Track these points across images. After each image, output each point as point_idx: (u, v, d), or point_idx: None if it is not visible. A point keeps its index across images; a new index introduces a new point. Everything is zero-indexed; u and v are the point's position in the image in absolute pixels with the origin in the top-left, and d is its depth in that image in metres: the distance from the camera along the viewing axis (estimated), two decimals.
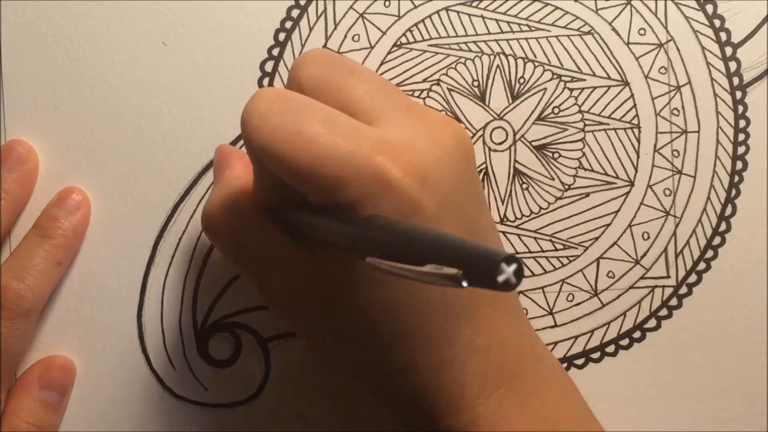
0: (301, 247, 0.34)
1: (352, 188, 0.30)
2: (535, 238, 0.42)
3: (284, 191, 0.33)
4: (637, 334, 0.42)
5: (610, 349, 0.42)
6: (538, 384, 0.36)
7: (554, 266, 0.42)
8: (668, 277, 0.42)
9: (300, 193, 0.32)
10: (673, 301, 0.42)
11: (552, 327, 0.42)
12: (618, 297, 0.42)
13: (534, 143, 0.41)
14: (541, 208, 0.42)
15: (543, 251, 0.42)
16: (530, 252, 0.42)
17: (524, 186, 0.41)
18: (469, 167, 0.35)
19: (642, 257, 0.42)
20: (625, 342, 0.42)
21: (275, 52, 0.41)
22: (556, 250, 0.42)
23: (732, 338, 0.41)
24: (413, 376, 0.33)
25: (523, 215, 0.42)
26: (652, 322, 0.42)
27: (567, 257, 0.42)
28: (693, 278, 0.42)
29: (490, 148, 0.41)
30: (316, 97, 0.34)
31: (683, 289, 0.42)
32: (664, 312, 0.42)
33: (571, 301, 0.42)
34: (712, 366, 0.42)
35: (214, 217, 0.36)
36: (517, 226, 0.42)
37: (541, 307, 0.42)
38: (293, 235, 0.34)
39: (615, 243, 0.42)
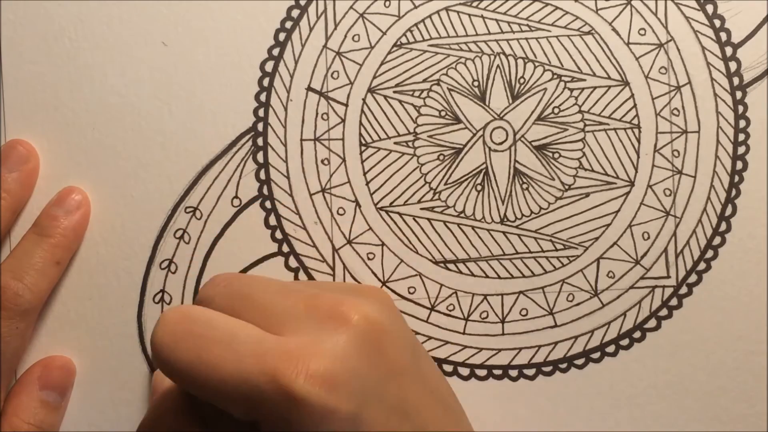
0: None
1: (264, 408, 0.31)
2: (535, 238, 0.42)
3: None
4: (637, 334, 0.42)
5: (611, 349, 0.42)
6: None
7: (554, 266, 0.42)
8: (668, 277, 0.42)
9: None
10: (674, 301, 0.42)
11: (552, 327, 0.42)
12: (618, 297, 0.42)
13: (534, 143, 0.41)
14: (541, 208, 0.42)
15: (543, 251, 0.42)
16: (530, 252, 0.42)
17: (524, 186, 0.41)
18: (382, 353, 0.33)
19: (642, 257, 0.42)
20: (625, 342, 0.42)
21: (275, 52, 0.41)
22: (557, 250, 0.42)
23: (732, 338, 0.41)
24: None
25: (523, 215, 0.42)
26: (652, 322, 0.42)
27: (567, 257, 0.42)
28: (693, 278, 0.42)
29: (490, 148, 0.41)
30: (222, 308, 0.34)
31: (683, 289, 0.42)
32: (664, 312, 0.42)
33: (571, 301, 0.42)
34: (712, 366, 0.42)
35: None
36: (517, 226, 0.42)
37: (541, 307, 0.42)
38: None
39: (615, 243, 0.42)
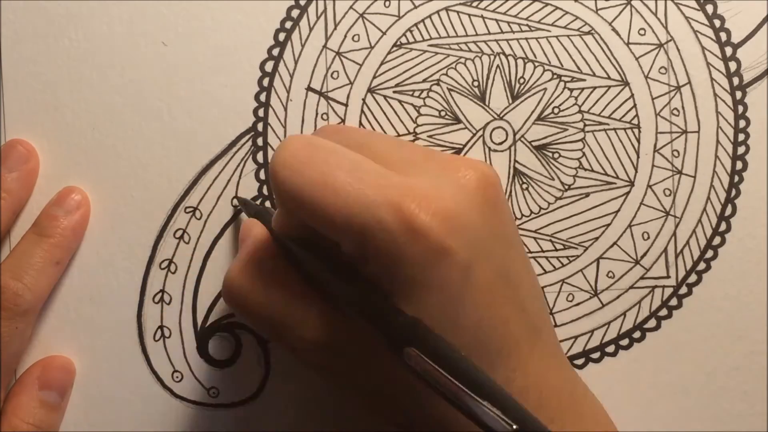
0: (331, 306, 0.34)
1: (380, 237, 0.30)
2: (534, 238, 0.42)
3: (315, 241, 0.33)
4: (637, 334, 0.42)
5: (610, 349, 0.42)
6: (578, 426, 0.35)
7: (554, 266, 0.42)
8: (668, 277, 0.42)
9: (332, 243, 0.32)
10: (673, 301, 0.42)
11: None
12: (618, 297, 0.42)
13: (534, 143, 0.41)
14: (541, 208, 0.42)
15: (543, 251, 0.42)
16: (530, 252, 0.42)
17: (524, 186, 0.41)
18: (496, 212, 0.34)
19: (642, 257, 0.42)
20: (625, 342, 0.42)
21: (275, 52, 0.41)
22: (556, 250, 0.42)
23: (732, 338, 0.41)
24: (449, 420, 0.33)
25: (523, 215, 0.42)
26: (652, 322, 0.42)
27: (567, 257, 0.42)
28: (693, 278, 0.42)
29: (490, 148, 0.41)
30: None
31: (683, 289, 0.42)
32: (664, 312, 0.42)
33: (571, 301, 0.42)
34: (712, 366, 0.42)
35: (238, 280, 0.34)
36: (517, 227, 0.41)
37: None
38: (323, 293, 0.34)
39: (615, 243, 0.42)
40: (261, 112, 0.41)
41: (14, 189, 0.40)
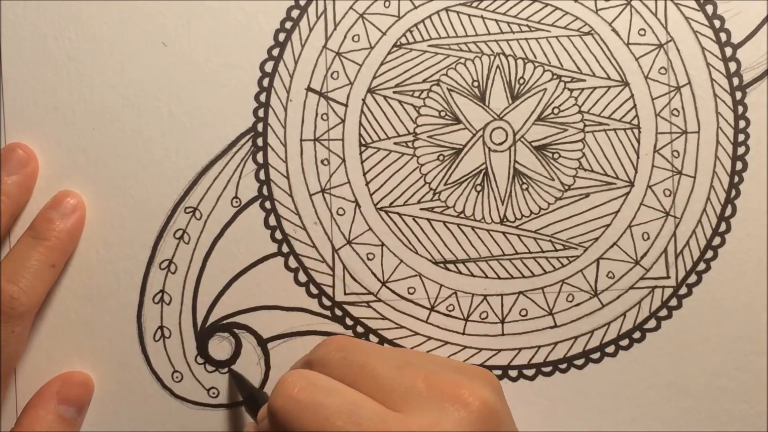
0: None
1: None
2: (535, 239, 0.42)
3: None
4: (637, 335, 0.42)
5: (610, 349, 0.42)
6: None
7: (554, 266, 0.42)
8: (668, 277, 0.42)
9: None
10: (673, 302, 0.42)
11: (552, 327, 0.42)
12: (618, 297, 0.42)
13: (534, 144, 0.41)
14: (541, 208, 0.42)
15: (543, 252, 0.42)
16: (530, 252, 0.42)
17: (524, 186, 0.41)
18: None
19: (642, 258, 0.42)
20: (625, 342, 0.42)
21: (275, 52, 0.41)
22: (556, 250, 0.42)
23: (732, 339, 0.41)
24: None
25: (523, 215, 0.42)
26: (651, 323, 0.42)
27: (567, 258, 0.42)
28: (693, 279, 0.42)
29: (489, 149, 0.41)
30: (339, 376, 0.35)
31: (683, 290, 0.42)
32: (663, 312, 0.42)
33: (571, 301, 0.42)
34: (712, 366, 0.42)
35: None
36: (517, 227, 0.42)
37: (541, 307, 0.42)
38: None
39: (615, 243, 0.42)
40: (261, 113, 0.41)
41: (13, 192, 0.40)
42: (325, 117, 0.41)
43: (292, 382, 0.34)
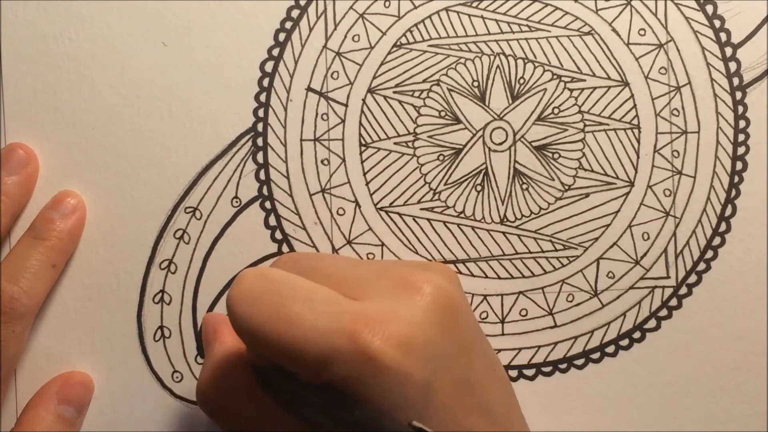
0: (299, 421, 0.33)
1: (337, 366, 0.31)
2: (534, 239, 0.42)
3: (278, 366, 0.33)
4: (637, 335, 0.42)
5: (610, 349, 0.42)
6: None
7: (554, 266, 0.42)
8: (668, 277, 0.42)
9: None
10: (673, 302, 0.42)
11: (552, 327, 0.42)
12: (618, 297, 0.42)
13: (534, 143, 0.41)
14: (541, 208, 0.42)
15: (543, 251, 0.42)
16: (530, 252, 0.42)
17: (524, 186, 0.41)
18: (455, 323, 0.34)
19: (642, 258, 0.42)
20: (625, 342, 0.42)
21: (275, 52, 0.41)
22: (556, 250, 0.42)
23: (732, 339, 0.41)
24: None
25: (523, 215, 0.42)
26: (652, 323, 0.42)
27: (567, 257, 0.42)
28: (693, 279, 0.42)
29: (490, 149, 0.41)
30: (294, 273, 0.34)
31: (683, 290, 0.42)
32: (664, 312, 0.42)
33: (571, 301, 0.42)
34: (712, 366, 0.42)
35: (209, 393, 0.35)
36: (517, 227, 0.42)
37: (541, 307, 0.42)
38: (289, 409, 0.34)
39: (615, 243, 0.42)
40: (261, 113, 0.41)
41: (14, 193, 0.40)
42: (325, 117, 0.41)
43: (245, 275, 0.33)
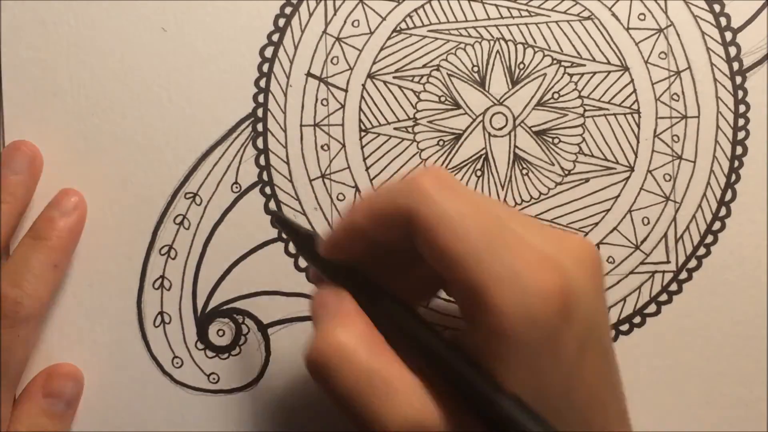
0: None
1: (508, 292, 0.29)
2: None
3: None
4: (637, 320, 0.42)
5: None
6: None
7: None
8: (668, 262, 0.42)
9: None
10: (673, 287, 0.42)
11: None
12: (618, 282, 0.42)
13: (534, 128, 0.41)
14: (541, 193, 0.42)
15: None
16: None
17: (524, 171, 0.41)
18: (603, 290, 0.32)
19: (642, 242, 0.42)
20: (625, 327, 0.42)
21: (275, 37, 0.41)
22: None
23: (732, 323, 0.42)
24: None
25: (523, 200, 0.42)
26: (652, 308, 0.42)
27: None
28: (693, 263, 0.42)
29: (489, 134, 0.41)
30: None
31: (683, 275, 0.42)
32: (664, 297, 0.42)
33: None
34: (712, 351, 0.42)
35: (333, 346, 0.31)
36: None
37: None
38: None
39: (615, 228, 0.42)
40: (261, 98, 0.41)
41: (19, 192, 0.40)
42: (325, 102, 0.41)
43: (435, 171, 0.30)
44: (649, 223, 0.42)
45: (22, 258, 0.39)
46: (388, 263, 0.33)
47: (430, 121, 0.41)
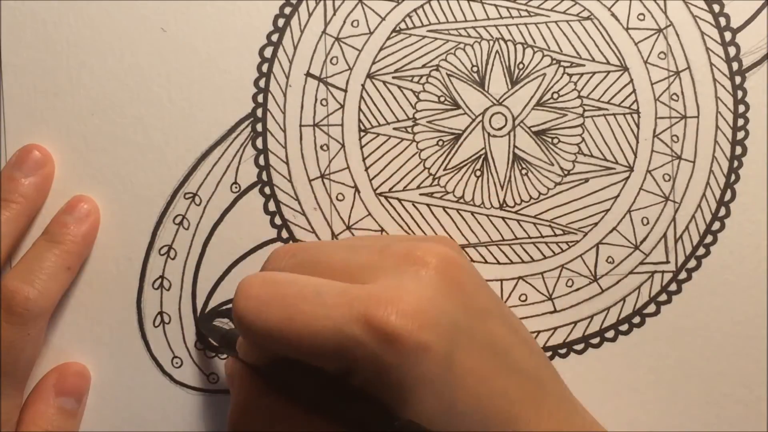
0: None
1: (357, 351, 0.30)
2: (534, 224, 0.42)
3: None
4: (636, 320, 0.42)
5: (610, 334, 0.42)
6: None
7: (553, 251, 0.42)
8: (668, 262, 0.42)
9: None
10: (673, 287, 0.42)
11: (551, 312, 0.42)
12: (617, 282, 0.42)
13: (533, 129, 0.41)
14: (540, 193, 0.42)
15: (542, 236, 0.42)
16: (530, 237, 0.42)
17: (524, 171, 0.41)
18: (463, 290, 0.34)
19: (641, 242, 0.42)
20: (624, 327, 0.42)
21: (274, 38, 0.41)
22: (556, 235, 0.42)
23: (731, 324, 0.42)
24: None
25: (522, 201, 0.42)
26: (651, 308, 0.42)
27: (566, 242, 0.42)
28: (692, 263, 0.42)
29: (489, 134, 0.41)
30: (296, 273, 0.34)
31: (683, 275, 0.42)
32: (663, 297, 0.42)
33: (570, 286, 0.42)
34: (712, 351, 0.42)
35: (240, 426, 0.34)
36: (516, 212, 0.42)
37: (540, 292, 0.42)
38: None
39: (614, 228, 0.42)
40: (260, 98, 0.41)
41: (30, 194, 0.40)
42: (324, 102, 0.41)
43: (250, 284, 0.33)
44: (648, 223, 0.42)
45: (36, 257, 0.40)
46: None
47: (430, 121, 0.41)
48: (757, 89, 0.41)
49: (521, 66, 0.41)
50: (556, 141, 0.41)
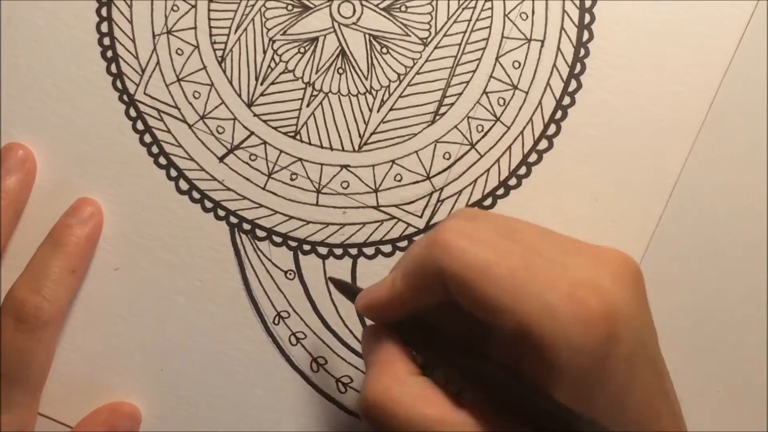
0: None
1: (547, 323, 0.30)
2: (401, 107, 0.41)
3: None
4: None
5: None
6: None
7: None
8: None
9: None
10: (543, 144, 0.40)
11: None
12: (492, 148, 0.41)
13: (380, 5, 0.41)
14: (406, 67, 0.41)
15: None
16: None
17: (383, 51, 0.41)
18: (646, 303, 0.33)
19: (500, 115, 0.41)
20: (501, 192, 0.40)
21: None
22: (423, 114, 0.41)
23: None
24: None
25: (390, 80, 0.41)
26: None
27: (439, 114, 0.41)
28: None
29: (341, 24, 0.41)
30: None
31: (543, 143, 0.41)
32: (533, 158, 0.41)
33: (448, 159, 0.41)
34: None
35: (381, 399, 0.32)
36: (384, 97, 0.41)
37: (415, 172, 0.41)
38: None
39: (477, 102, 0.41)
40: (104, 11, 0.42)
41: (13, 188, 0.41)
42: (175, 8, 0.41)
43: (463, 215, 0.33)
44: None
45: (41, 264, 0.40)
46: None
47: (284, 33, 0.41)
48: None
49: None
50: (403, 9, 0.41)
